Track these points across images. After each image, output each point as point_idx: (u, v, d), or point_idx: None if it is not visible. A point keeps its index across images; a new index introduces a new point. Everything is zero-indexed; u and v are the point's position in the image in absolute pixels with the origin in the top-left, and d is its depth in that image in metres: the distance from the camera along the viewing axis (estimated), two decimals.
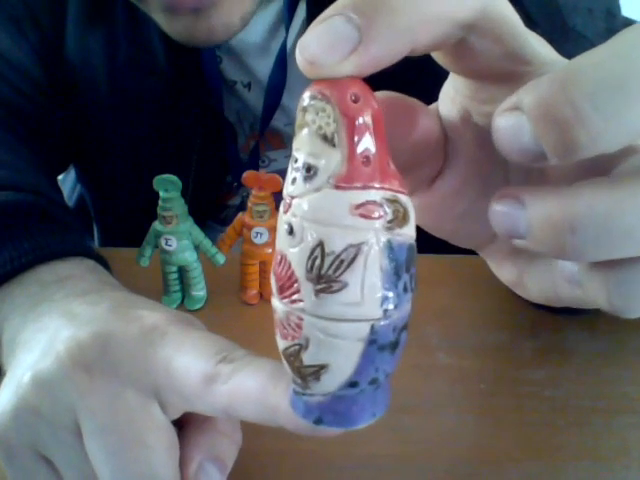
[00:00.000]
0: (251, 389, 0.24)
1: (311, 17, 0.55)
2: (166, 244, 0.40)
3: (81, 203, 0.71)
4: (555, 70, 0.17)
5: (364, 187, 0.17)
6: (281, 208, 0.19)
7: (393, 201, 0.18)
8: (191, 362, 0.26)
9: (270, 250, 0.42)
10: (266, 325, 0.37)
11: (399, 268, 0.18)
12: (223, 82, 0.60)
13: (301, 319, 0.18)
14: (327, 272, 0.17)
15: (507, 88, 0.19)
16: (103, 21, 0.56)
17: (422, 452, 0.32)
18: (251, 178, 0.40)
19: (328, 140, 0.17)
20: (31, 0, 0.56)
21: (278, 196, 0.41)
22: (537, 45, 0.20)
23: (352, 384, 0.19)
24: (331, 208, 0.17)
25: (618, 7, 0.57)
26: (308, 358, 0.19)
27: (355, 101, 0.18)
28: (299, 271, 0.18)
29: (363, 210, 0.17)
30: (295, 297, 0.18)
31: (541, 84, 0.17)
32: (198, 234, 0.41)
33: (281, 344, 0.20)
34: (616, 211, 0.16)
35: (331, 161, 0.17)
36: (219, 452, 0.28)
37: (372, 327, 0.18)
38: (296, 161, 0.18)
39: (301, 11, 0.55)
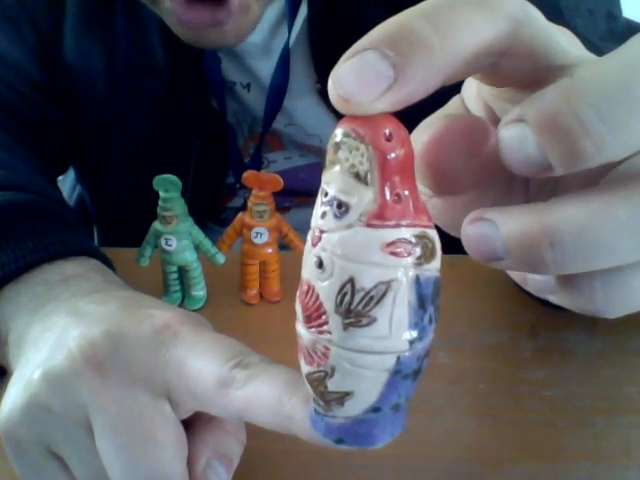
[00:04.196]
0: (266, 397, 0.24)
1: (312, 16, 0.55)
2: (166, 244, 0.40)
3: (81, 203, 0.71)
4: (558, 82, 0.17)
5: (395, 225, 0.18)
6: (309, 239, 0.19)
7: (422, 237, 0.18)
8: (205, 365, 0.26)
9: (270, 250, 0.42)
10: (266, 325, 0.38)
11: (425, 302, 0.18)
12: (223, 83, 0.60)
13: (328, 349, 0.19)
14: (357, 307, 0.18)
15: (534, 91, 0.19)
16: (102, 22, 0.56)
17: (422, 452, 0.32)
18: (251, 178, 0.40)
19: (361, 179, 0.18)
20: (28, 1, 0.56)
21: (278, 196, 0.41)
22: (567, 45, 0.20)
23: (375, 409, 0.20)
24: (362, 246, 0.18)
25: (619, 8, 0.57)
26: (333, 385, 0.19)
27: (388, 139, 0.18)
28: (328, 304, 0.18)
29: (394, 248, 0.18)
30: (323, 328, 0.19)
31: (544, 96, 0.17)
32: (198, 234, 0.41)
33: (305, 369, 0.20)
34: (590, 224, 0.16)
35: (363, 199, 0.18)
36: (226, 450, 0.28)
37: (398, 358, 0.19)
38: (326, 195, 0.18)
39: (302, 10, 0.55)
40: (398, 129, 0.18)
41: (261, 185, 0.40)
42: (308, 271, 0.19)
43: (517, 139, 0.17)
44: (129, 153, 0.62)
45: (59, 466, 0.27)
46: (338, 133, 0.18)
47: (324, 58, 0.56)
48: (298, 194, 0.65)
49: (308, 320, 0.19)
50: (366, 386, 0.19)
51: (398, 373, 0.19)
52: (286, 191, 0.40)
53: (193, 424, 0.28)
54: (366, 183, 0.18)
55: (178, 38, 0.51)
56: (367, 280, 0.18)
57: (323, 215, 0.18)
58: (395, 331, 0.18)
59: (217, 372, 0.25)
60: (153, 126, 0.60)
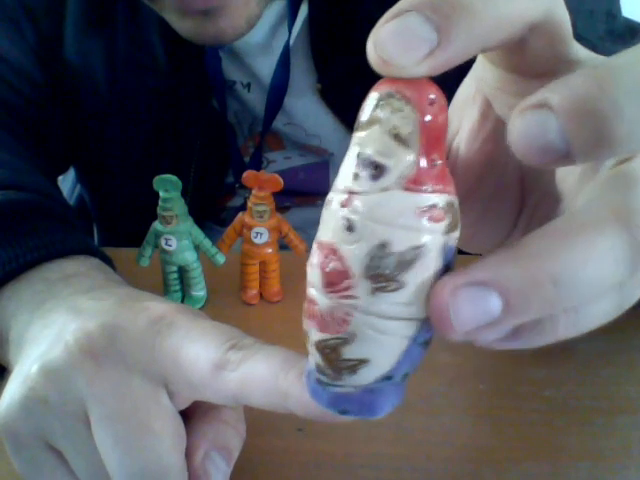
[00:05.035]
0: (262, 376, 0.24)
1: (313, 16, 0.55)
2: (166, 244, 0.40)
3: (81, 203, 0.71)
4: (587, 68, 0.17)
5: (430, 191, 0.18)
6: (334, 201, 0.19)
7: (451, 205, 0.18)
8: (200, 350, 0.26)
9: (270, 250, 0.42)
10: (266, 325, 0.37)
11: (448, 269, 0.18)
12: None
13: (349, 315, 0.18)
14: (386, 272, 0.18)
15: (541, 83, 0.19)
16: (102, 21, 0.56)
17: (422, 452, 0.32)
18: (251, 178, 0.40)
19: (401, 140, 0.17)
20: (29, 1, 0.56)
21: (277, 196, 0.41)
22: (575, 43, 0.21)
23: (387, 378, 0.19)
24: (398, 209, 0.17)
25: (619, 8, 0.57)
26: (349, 352, 0.19)
27: (431, 104, 0.17)
28: (356, 268, 0.18)
29: (428, 213, 0.17)
30: (347, 293, 0.18)
31: (574, 81, 0.17)
32: (198, 234, 0.41)
33: (316, 336, 0.20)
34: (581, 261, 0.16)
35: (402, 162, 0.17)
36: (225, 442, 0.28)
37: (419, 326, 0.18)
38: (358, 156, 0.18)
39: (303, 10, 0.55)
40: (440, 95, 0.18)
41: (261, 185, 0.40)
42: (332, 234, 0.18)
43: (537, 125, 0.17)
44: (129, 153, 0.62)
45: (57, 460, 0.27)
46: (381, 93, 0.18)
47: (324, 58, 0.56)
48: (298, 194, 0.65)
49: (329, 285, 0.19)
50: (384, 353, 0.19)
51: (415, 341, 0.19)
52: (286, 191, 0.40)
53: (191, 416, 0.28)
54: (406, 146, 0.17)
55: (179, 37, 0.51)
56: (400, 244, 0.17)
57: (355, 177, 0.18)
58: (420, 297, 0.18)
59: (212, 356, 0.25)
60: (153, 125, 0.60)
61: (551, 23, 0.19)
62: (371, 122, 0.18)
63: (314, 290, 0.19)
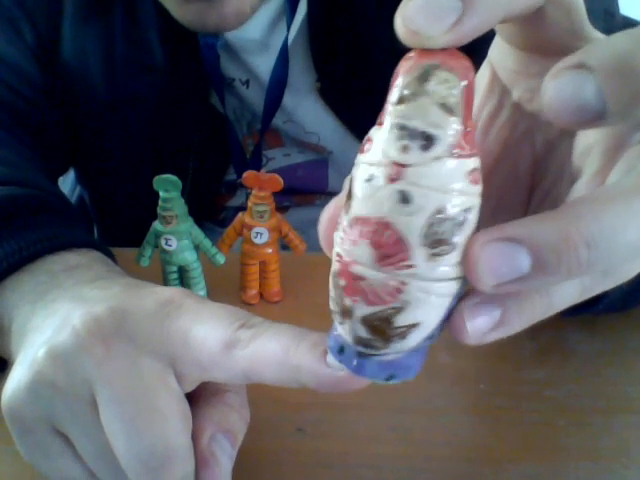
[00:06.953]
0: (273, 351, 0.24)
1: (312, 14, 0.55)
2: (166, 244, 0.40)
3: (81, 204, 0.71)
4: (627, 31, 0.17)
5: (471, 154, 0.19)
6: (379, 175, 0.19)
7: (481, 166, 0.19)
8: (210, 330, 0.26)
9: (270, 250, 0.42)
10: None
11: (479, 227, 0.19)
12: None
13: (404, 284, 0.19)
14: (443, 236, 0.18)
15: (558, 60, 0.19)
16: (99, 20, 0.56)
17: (422, 452, 0.33)
18: (251, 178, 0.40)
19: (448, 110, 0.18)
20: (28, 1, 0.56)
21: (277, 195, 0.41)
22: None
23: (431, 337, 0.20)
24: (451, 176, 0.18)
25: (617, 7, 0.57)
26: (401, 320, 0.19)
27: (469, 72, 0.18)
28: (413, 238, 0.18)
29: (472, 176, 0.18)
30: (403, 263, 0.19)
31: (615, 40, 0.17)
32: (198, 234, 0.41)
33: (364, 310, 0.20)
34: (620, 226, 0.17)
35: (449, 130, 0.18)
36: (229, 425, 0.28)
37: (462, 282, 0.19)
38: (403, 128, 0.18)
39: (302, 7, 0.55)
40: (470, 62, 0.19)
41: (261, 185, 0.40)
42: (381, 208, 0.19)
43: (573, 85, 0.17)
44: (128, 152, 0.62)
45: (64, 444, 0.27)
46: (425, 65, 0.18)
47: (324, 56, 0.56)
48: (296, 193, 0.65)
49: (383, 258, 0.19)
50: (432, 314, 0.19)
51: (457, 297, 0.19)
52: (285, 188, 0.40)
53: (196, 400, 0.28)
54: (452, 114, 0.18)
55: (176, 35, 0.51)
56: (454, 209, 0.18)
57: (404, 149, 0.18)
58: (463, 255, 0.19)
59: (222, 335, 0.26)
60: (151, 124, 0.60)
61: None
62: (416, 94, 0.18)
63: (361, 267, 0.19)
